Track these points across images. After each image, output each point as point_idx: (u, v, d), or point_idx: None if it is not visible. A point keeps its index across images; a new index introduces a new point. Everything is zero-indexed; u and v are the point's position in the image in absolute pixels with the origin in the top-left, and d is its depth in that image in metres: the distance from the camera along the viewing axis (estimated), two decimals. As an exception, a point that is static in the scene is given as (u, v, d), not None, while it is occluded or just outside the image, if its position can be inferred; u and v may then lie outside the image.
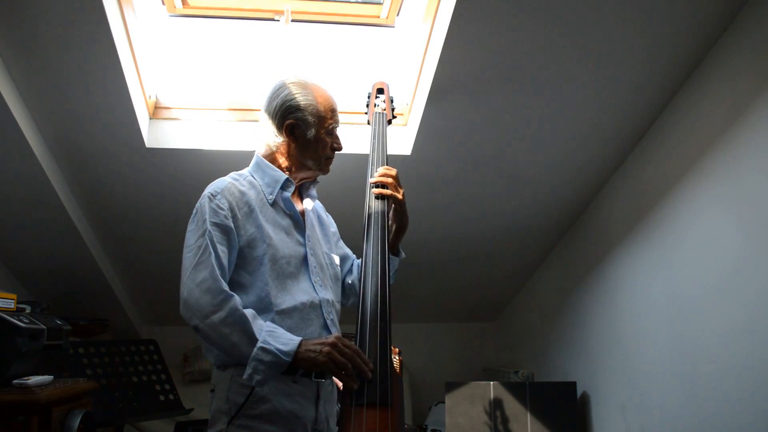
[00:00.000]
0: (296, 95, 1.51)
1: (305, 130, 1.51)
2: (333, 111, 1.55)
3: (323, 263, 1.56)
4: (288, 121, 1.51)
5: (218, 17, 2.49)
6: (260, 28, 2.55)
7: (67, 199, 2.45)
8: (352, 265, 1.78)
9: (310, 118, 1.51)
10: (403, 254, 1.72)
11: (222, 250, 1.38)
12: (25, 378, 1.81)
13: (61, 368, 2.33)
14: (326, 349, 1.30)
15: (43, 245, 2.63)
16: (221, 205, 1.41)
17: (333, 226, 1.76)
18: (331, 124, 1.54)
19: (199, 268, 1.35)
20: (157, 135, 2.40)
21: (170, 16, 2.42)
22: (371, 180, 1.64)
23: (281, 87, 1.54)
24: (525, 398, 2.86)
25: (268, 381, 1.30)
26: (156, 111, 2.45)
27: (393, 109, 1.91)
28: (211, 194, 1.44)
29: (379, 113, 1.84)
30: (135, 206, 2.66)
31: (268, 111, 1.54)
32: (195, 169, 2.46)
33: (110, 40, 1.94)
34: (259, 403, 1.36)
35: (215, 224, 1.39)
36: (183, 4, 2.40)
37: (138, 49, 2.19)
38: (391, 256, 1.66)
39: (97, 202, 2.60)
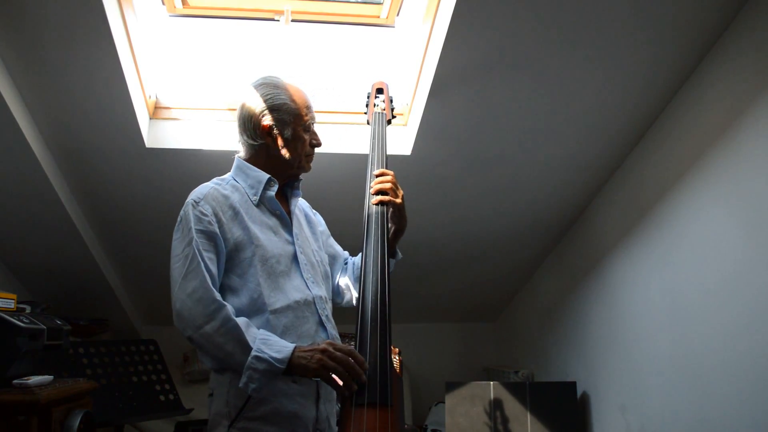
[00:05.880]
0: (270, 96, 1.50)
1: (282, 130, 1.51)
2: (308, 107, 1.55)
3: (313, 261, 1.56)
4: (264, 123, 1.50)
5: (218, 17, 2.49)
6: (260, 28, 2.55)
7: (66, 198, 2.45)
8: (344, 264, 1.77)
9: (286, 117, 1.50)
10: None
11: (209, 257, 1.37)
12: (25, 378, 1.81)
13: (61, 368, 2.33)
14: (317, 356, 1.29)
15: (42, 245, 2.63)
16: (204, 212, 1.40)
17: (321, 225, 1.75)
18: (307, 120, 1.54)
19: (188, 278, 1.34)
20: (157, 135, 2.40)
21: (170, 16, 2.42)
22: (370, 190, 1.62)
23: (254, 90, 1.53)
24: (525, 398, 2.86)
25: (264, 388, 1.30)
26: (156, 111, 2.45)
27: (392, 109, 1.90)
28: (194, 201, 1.43)
29: (379, 113, 1.84)
30: (135, 206, 2.66)
31: (243, 115, 1.53)
32: (195, 169, 2.46)
33: (110, 40, 1.94)
34: (260, 405, 1.35)
35: (200, 231, 1.38)
36: (183, 4, 2.40)
37: (138, 49, 2.19)
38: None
39: (97, 201, 2.60)
